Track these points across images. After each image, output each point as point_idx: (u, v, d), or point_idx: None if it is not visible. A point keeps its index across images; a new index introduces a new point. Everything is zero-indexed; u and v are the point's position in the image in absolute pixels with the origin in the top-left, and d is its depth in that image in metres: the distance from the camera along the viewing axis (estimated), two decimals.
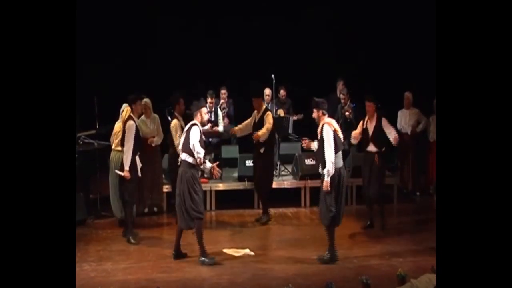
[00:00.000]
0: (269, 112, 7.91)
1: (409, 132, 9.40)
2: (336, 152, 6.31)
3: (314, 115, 6.52)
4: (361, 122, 7.90)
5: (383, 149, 7.64)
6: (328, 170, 6.21)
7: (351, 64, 10.51)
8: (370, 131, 7.71)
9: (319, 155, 6.42)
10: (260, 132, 7.72)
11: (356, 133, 7.89)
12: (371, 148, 7.70)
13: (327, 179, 6.24)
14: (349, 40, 10.77)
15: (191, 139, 6.23)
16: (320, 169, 6.38)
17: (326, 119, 6.47)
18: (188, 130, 6.32)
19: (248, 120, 8.04)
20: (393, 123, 9.46)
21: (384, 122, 7.63)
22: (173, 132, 7.31)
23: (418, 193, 9.47)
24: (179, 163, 6.47)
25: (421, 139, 9.44)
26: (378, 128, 7.64)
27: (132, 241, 7.09)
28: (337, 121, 9.54)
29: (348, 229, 7.58)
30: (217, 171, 6.44)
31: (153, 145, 8.00)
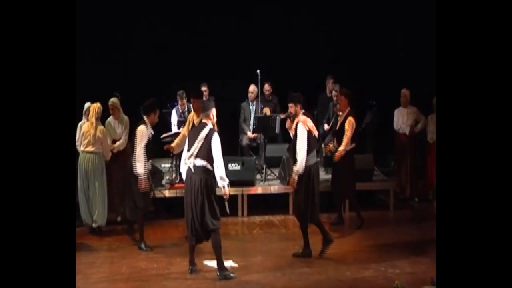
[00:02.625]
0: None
1: (407, 132, 9.39)
2: (309, 152, 6.58)
3: (292, 110, 6.73)
4: (335, 119, 8.10)
5: (349, 147, 7.79)
6: (297, 170, 6.56)
7: (343, 59, 10.52)
8: (337, 127, 7.85)
9: (292, 151, 6.72)
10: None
11: (331, 145, 8.13)
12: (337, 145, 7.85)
13: (294, 176, 6.60)
14: (341, 34, 10.79)
15: (214, 148, 5.97)
16: (292, 165, 6.75)
17: (302, 116, 6.68)
18: (209, 136, 6.00)
19: (184, 130, 7.63)
20: (389, 122, 9.52)
21: (348, 122, 7.75)
22: (138, 138, 6.92)
23: (416, 199, 9.47)
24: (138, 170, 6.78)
25: (419, 140, 9.45)
26: (343, 124, 7.77)
27: (144, 248, 7.08)
28: (329, 120, 9.58)
29: (341, 239, 7.57)
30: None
31: (114, 151, 8.00)
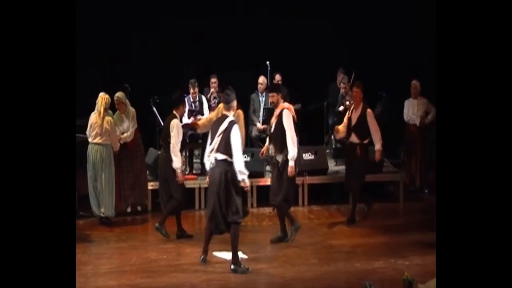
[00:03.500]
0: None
1: (417, 123, 9.41)
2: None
3: (274, 99, 6.89)
4: (348, 112, 8.00)
5: (366, 141, 7.77)
6: (292, 155, 6.74)
7: (353, 49, 10.52)
8: (354, 121, 7.81)
9: (276, 139, 6.86)
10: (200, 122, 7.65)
11: (339, 126, 8.07)
12: (353, 139, 7.83)
13: (291, 164, 6.79)
14: (351, 24, 10.77)
15: (233, 140, 6.03)
16: (273, 154, 6.92)
17: (286, 104, 6.87)
18: (228, 129, 6.05)
19: (213, 114, 7.85)
20: (399, 113, 9.54)
21: (370, 116, 7.75)
22: (175, 132, 6.97)
23: (426, 191, 9.47)
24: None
25: (430, 131, 9.46)
26: (362, 118, 7.75)
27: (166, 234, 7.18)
28: (338, 111, 9.62)
29: (349, 230, 7.62)
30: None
31: (121, 142, 8.04)
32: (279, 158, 6.91)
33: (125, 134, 8.10)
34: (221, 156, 6.09)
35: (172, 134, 6.96)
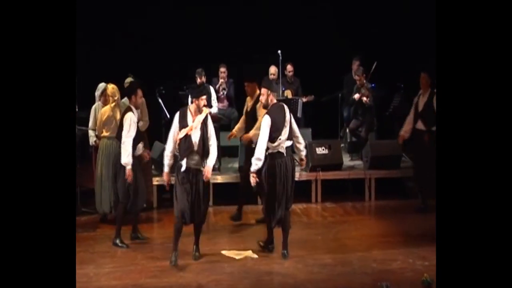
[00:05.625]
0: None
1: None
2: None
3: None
4: (415, 99, 7.93)
5: (434, 127, 7.61)
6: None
7: (369, 39, 10.45)
8: (420, 107, 7.75)
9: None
10: (251, 133, 7.37)
11: (403, 131, 7.92)
12: (420, 125, 7.76)
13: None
14: (368, 12, 10.69)
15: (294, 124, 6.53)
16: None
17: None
18: (290, 115, 6.49)
19: (243, 118, 7.82)
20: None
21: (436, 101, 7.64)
22: (127, 125, 6.78)
23: None
24: None
25: None
26: (429, 103, 7.68)
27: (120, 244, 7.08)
28: (353, 99, 9.57)
29: (367, 228, 7.60)
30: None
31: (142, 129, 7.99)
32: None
33: (140, 123, 8.07)
34: (289, 143, 6.48)
35: (124, 126, 6.77)
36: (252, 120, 7.49)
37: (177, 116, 6.35)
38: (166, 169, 6.41)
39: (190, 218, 6.34)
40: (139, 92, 6.91)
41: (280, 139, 6.36)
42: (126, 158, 6.72)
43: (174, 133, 6.32)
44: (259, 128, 7.18)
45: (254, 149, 7.07)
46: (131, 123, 6.74)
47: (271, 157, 6.38)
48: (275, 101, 6.54)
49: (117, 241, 7.01)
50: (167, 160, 6.41)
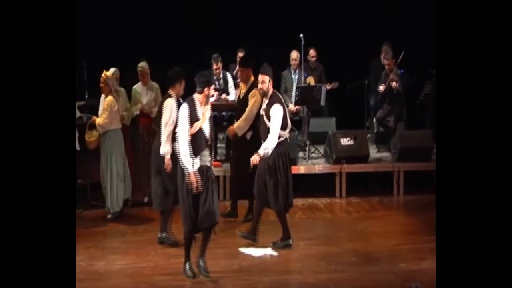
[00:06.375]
0: (255, 91, 7.02)
1: None
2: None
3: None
4: None
5: None
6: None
7: (398, 21, 10.29)
8: None
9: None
10: (235, 125, 7.26)
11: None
12: None
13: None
14: None
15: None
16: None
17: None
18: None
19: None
20: None
21: None
22: (167, 112, 6.69)
23: None
24: None
25: None
26: None
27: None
28: (378, 91, 9.45)
29: (395, 225, 7.53)
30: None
31: (152, 116, 7.96)
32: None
33: (155, 109, 8.03)
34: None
35: (163, 115, 6.68)
36: (242, 108, 7.33)
37: (186, 108, 5.85)
38: (191, 169, 5.75)
39: (202, 224, 5.92)
40: (183, 82, 6.85)
41: (289, 126, 6.41)
42: (165, 148, 6.63)
43: (186, 129, 5.81)
44: (245, 120, 7.19)
45: (243, 141, 7.27)
46: (172, 111, 6.62)
47: (282, 144, 6.43)
48: (272, 89, 6.53)
49: (164, 235, 6.89)
50: (189, 159, 5.76)
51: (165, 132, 6.61)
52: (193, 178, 5.73)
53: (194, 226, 5.89)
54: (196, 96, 5.89)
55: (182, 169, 5.82)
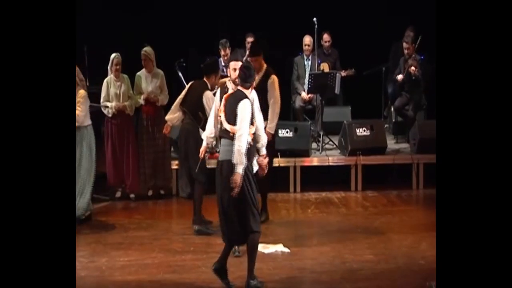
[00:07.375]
0: (274, 77, 6.94)
1: None
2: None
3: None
4: None
5: None
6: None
7: (422, 5, 10.19)
8: None
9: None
10: (267, 128, 6.75)
11: None
12: None
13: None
14: None
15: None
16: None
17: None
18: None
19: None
20: None
21: None
22: (210, 105, 6.63)
23: None
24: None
25: None
26: None
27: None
28: (395, 79, 9.41)
29: (414, 220, 7.54)
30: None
31: (158, 104, 8.04)
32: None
33: (161, 97, 8.03)
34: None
35: (206, 107, 6.77)
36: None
37: (249, 106, 5.47)
38: (240, 169, 5.34)
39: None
40: (219, 72, 6.92)
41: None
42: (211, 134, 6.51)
43: (248, 127, 5.47)
44: (275, 117, 7.01)
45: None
46: (212, 102, 6.64)
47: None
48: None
49: (197, 227, 6.93)
50: (244, 157, 5.39)
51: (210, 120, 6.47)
52: (238, 179, 5.36)
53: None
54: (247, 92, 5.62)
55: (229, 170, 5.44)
